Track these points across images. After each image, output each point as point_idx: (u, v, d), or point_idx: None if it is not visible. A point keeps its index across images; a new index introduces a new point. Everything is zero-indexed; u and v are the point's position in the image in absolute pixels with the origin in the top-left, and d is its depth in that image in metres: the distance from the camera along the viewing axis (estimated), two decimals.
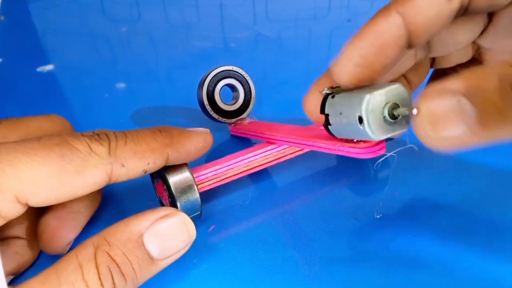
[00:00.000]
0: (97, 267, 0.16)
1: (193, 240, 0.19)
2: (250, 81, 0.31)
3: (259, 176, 0.28)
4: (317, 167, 0.29)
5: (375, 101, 0.17)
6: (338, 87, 0.20)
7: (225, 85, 0.31)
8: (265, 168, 0.28)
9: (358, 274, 0.21)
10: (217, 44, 0.50)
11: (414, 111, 0.16)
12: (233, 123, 0.31)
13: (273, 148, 0.26)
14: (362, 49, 0.18)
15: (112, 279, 0.17)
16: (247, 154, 0.25)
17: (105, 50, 0.50)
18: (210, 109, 0.30)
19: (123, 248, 0.17)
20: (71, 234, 0.22)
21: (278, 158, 0.26)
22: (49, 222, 0.22)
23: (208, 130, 0.23)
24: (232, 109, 0.31)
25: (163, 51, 0.50)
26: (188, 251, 0.23)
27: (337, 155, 0.30)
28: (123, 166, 0.19)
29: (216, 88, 0.30)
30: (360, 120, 0.17)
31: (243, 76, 0.31)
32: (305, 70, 0.43)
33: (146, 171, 0.20)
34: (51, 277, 0.16)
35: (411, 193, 0.26)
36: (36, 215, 0.22)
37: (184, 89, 0.40)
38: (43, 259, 0.23)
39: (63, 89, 0.42)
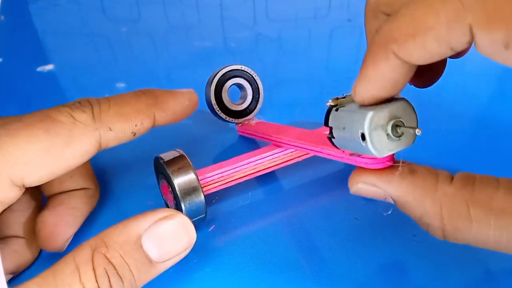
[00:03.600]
0: (94, 270, 0.16)
1: (194, 243, 0.19)
2: (258, 81, 0.31)
3: (262, 177, 0.28)
4: (322, 171, 0.29)
5: (378, 119, 0.17)
6: (343, 98, 0.20)
7: (233, 84, 0.31)
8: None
9: (358, 274, 0.21)
10: (217, 44, 0.50)
11: (419, 131, 0.16)
12: (240, 123, 0.31)
13: (280, 152, 0.26)
14: (371, 90, 0.17)
15: (109, 281, 0.16)
16: (254, 157, 0.25)
17: (105, 50, 0.50)
18: (218, 108, 0.30)
19: (120, 250, 0.17)
20: (69, 230, 0.22)
21: (285, 162, 0.26)
22: (47, 219, 0.21)
23: (192, 90, 0.23)
24: (239, 108, 0.31)
25: (163, 51, 0.50)
26: None
27: None
28: (111, 130, 0.19)
29: (224, 88, 0.30)
30: (363, 137, 0.17)
31: (252, 76, 0.31)
32: (305, 70, 0.43)
33: (135, 133, 0.20)
34: (48, 278, 0.16)
35: None
36: (35, 213, 0.22)
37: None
38: (43, 260, 0.23)
39: (63, 89, 0.42)
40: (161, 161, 0.22)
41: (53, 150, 0.18)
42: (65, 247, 0.22)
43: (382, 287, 0.21)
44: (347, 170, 0.29)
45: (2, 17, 0.59)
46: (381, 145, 0.17)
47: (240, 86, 0.31)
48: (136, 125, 0.20)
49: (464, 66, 0.46)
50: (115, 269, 0.17)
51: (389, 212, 0.24)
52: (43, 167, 0.17)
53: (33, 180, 0.17)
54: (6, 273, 0.20)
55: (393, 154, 0.19)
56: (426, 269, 0.22)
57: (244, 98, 0.31)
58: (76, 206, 0.22)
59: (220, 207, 0.26)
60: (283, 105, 0.36)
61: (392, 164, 0.19)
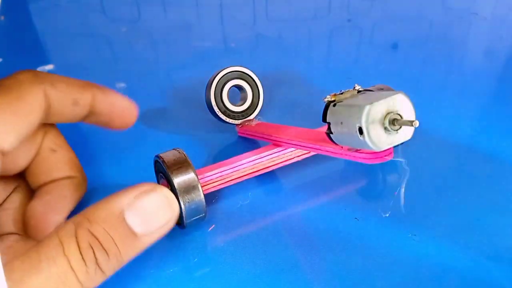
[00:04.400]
0: (78, 243, 0.16)
1: (177, 216, 0.19)
2: (258, 82, 0.31)
3: (262, 177, 0.28)
4: (322, 170, 0.29)
5: (375, 112, 0.17)
6: (341, 93, 0.20)
7: (233, 86, 0.31)
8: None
9: (358, 274, 0.21)
10: (217, 44, 0.50)
11: (416, 123, 0.16)
12: (240, 124, 0.31)
13: (280, 151, 0.26)
14: None
15: (94, 254, 0.16)
16: (253, 156, 0.25)
17: (105, 50, 0.50)
18: (218, 110, 0.30)
19: (104, 224, 0.17)
20: (58, 217, 0.22)
21: (284, 161, 0.26)
22: (36, 208, 0.22)
23: (134, 104, 0.24)
24: (239, 110, 0.31)
25: (163, 51, 0.50)
26: (188, 250, 0.23)
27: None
28: (55, 87, 0.20)
29: (224, 89, 0.30)
30: (360, 131, 0.17)
31: (252, 77, 0.31)
32: (305, 70, 0.43)
33: (76, 102, 0.21)
34: (32, 254, 0.16)
35: (411, 193, 0.26)
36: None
37: (184, 89, 0.40)
38: None
39: None
40: (160, 161, 0.22)
41: (9, 108, 0.18)
42: None
43: (382, 286, 0.21)
44: (347, 170, 0.29)
45: (2, 17, 0.59)
46: (378, 138, 0.17)
47: (240, 88, 0.31)
48: (77, 92, 0.21)
49: (464, 65, 0.46)
50: (99, 242, 0.17)
51: (387, 215, 0.25)
52: (8, 127, 0.18)
53: (7, 142, 0.18)
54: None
55: (392, 148, 0.19)
56: (426, 268, 0.22)
57: (244, 99, 0.31)
58: (64, 195, 0.22)
59: (220, 206, 0.26)
60: (283, 105, 0.36)
61: (392, 158, 0.19)
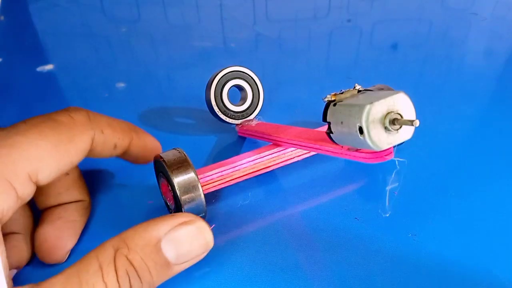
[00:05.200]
0: (116, 270, 0.17)
1: (211, 247, 0.19)
2: (258, 82, 0.31)
3: (262, 177, 0.28)
4: (322, 170, 0.29)
5: (375, 111, 0.17)
6: (341, 93, 0.20)
7: (233, 86, 0.31)
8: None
9: (358, 273, 0.21)
10: (217, 44, 0.50)
11: (416, 123, 0.16)
12: (240, 124, 0.31)
13: (280, 151, 0.26)
14: None
15: (130, 282, 0.17)
16: (253, 156, 0.25)
17: (105, 50, 0.50)
18: (218, 110, 0.30)
19: (141, 252, 0.17)
20: (70, 243, 0.23)
21: (285, 161, 0.26)
22: (48, 233, 0.22)
23: (159, 143, 0.26)
24: (239, 110, 0.31)
25: (163, 51, 0.50)
26: None
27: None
28: (103, 133, 0.21)
29: (224, 89, 0.30)
30: (361, 130, 0.17)
31: (252, 77, 0.31)
32: (305, 70, 0.43)
33: (116, 146, 0.23)
34: (72, 277, 0.16)
35: (412, 192, 0.26)
36: (27, 210, 0.23)
37: (184, 89, 0.40)
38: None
39: (63, 89, 0.42)
40: (160, 160, 0.22)
41: (60, 146, 0.19)
42: (65, 258, 0.22)
43: (383, 287, 0.21)
44: (347, 170, 0.29)
45: (2, 17, 0.59)
46: (379, 138, 0.17)
47: (240, 88, 0.31)
48: (119, 139, 0.23)
49: (464, 65, 0.46)
50: (135, 270, 0.17)
51: (387, 215, 0.25)
52: (53, 163, 0.19)
53: (45, 175, 0.18)
54: (10, 268, 0.20)
55: (392, 148, 0.19)
56: (426, 268, 0.22)
57: (244, 99, 0.31)
58: (75, 219, 0.23)
59: (220, 206, 0.26)
60: (283, 105, 0.36)
61: (392, 157, 0.19)
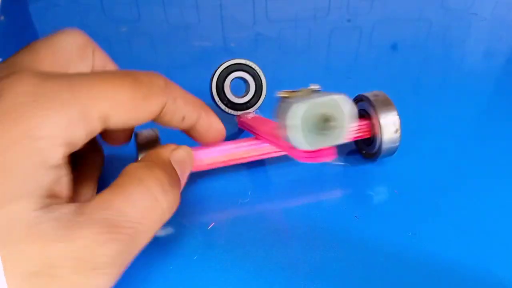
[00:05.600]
0: (154, 179, 0.19)
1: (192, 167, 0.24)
2: (262, 76, 0.31)
3: (261, 176, 0.28)
4: (322, 168, 0.29)
5: (302, 112, 0.17)
6: (297, 91, 0.20)
7: (237, 77, 0.31)
8: (267, 167, 0.29)
9: (358, 272, 0.21)
10: (217, 44, 0.50)
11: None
12: (239, 116, 0.32)
13: (256, 144, 0.27)
14: None
15: (164, 187, 0.19)
16: (233, 144, 0.26)
17: (105, 50, 0.50)
18: (218, 99, 0.31)
19: (163, 166, 0.21)
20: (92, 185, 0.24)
21: (263, 154, 0.27)
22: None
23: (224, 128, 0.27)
24: (241, 101, 0.31)
25: (163, 51, 0.50)
26: (187, 248, 0.23)
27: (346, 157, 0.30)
28: (175, 103, 0.22)
29: (227, 80, 0.31)
30: (288, 128, 0.17)
31: (256, 71, 0.31)
32: (305, 70, 0.43)
33: (184, 118, 0.23)
34: (117, 189, 0.18)
35: (412, 191, 0.26)
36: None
37: (184, 88, 0.40)
38: None
39: None
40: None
41: (135, 101, 0.20)
42: None
43: (383, 286, 0.21)
44: (347, 168, 0.29)
45: (2, 17, 0.59)
46: (304, 138, 0.17)
47: (244, 80, 0.31)
48: (187, 112, 0.23)
49: (463, 65, 0.46)
50: (166, 179, 0.20)
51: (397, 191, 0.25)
52: (124, 114, 0.19)
53: (114, 122, 0.19)
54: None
55: (332, 150, 0.19)
56: (426, 267, 0.22)
57: (246, 92, 0.31)
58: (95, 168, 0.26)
59: (220, 205, 0.26)
60: None
61: (330, 159, 0.19)
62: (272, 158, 0.28)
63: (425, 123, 0.34)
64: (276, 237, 0.23)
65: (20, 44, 0.55)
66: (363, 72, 0.43)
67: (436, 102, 0.37)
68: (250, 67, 0.31)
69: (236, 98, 0.31)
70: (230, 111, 0.31)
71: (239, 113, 0.31)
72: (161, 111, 0.21)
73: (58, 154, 0.17)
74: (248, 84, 0.31)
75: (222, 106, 0.31)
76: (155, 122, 0.22)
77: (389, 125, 0.26)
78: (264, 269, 0.22)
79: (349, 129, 0.17)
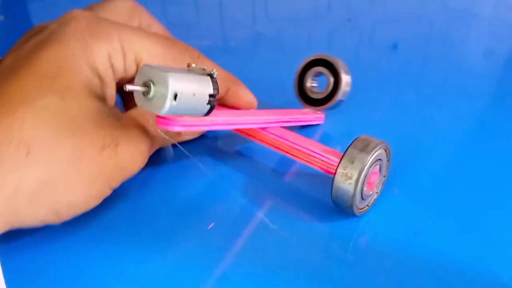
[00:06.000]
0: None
1: None
2: (342, 75, 0.30)
3: (261, 175, 0.28)
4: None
5: (142, 73, 0.19)
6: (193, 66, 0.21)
7: (318, 72, 0.32)
8: (268, 167, 0.29)
9: (358, 273, 0.21)
10: (216, 44, 0.50)
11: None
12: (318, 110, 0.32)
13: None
14: None
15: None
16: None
17: None
18: (298, 93, 0.32)
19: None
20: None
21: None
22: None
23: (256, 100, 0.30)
24: (314, 96, 0.32)
25: None
26: (187, 248, 0.23)
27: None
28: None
29: (308, 74, 0.32)
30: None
31: (335, 66, 0.31)
32: None
33: None
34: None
35: (412, 192, 0.26)
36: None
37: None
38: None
39: None
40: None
41: (166, 56, 0.24)
42: None
43: (382, 286, 0.21)
44: None
45: (2, 17, 0.59)
46: (139, 99, 0.19)
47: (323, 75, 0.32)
48: (220, 82, 0.26)
49: (464, 65, 0.46)
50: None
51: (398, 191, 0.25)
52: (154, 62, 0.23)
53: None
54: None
55: (170, 119, 0.21)
56: (427, 267, 0.22)
57: (326, 87, 0.31)
58: None
59: (220, 204, 0.26)
60: (283, 106, 0.36)
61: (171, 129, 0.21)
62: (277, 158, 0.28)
63: (425, 122, 0.34)
64: (276, 237, 0.23)
65: None
66: (363, 72, 0.43)
67: (436, 102, 0.37)
68: (333, 65, 0.31)
69: (313, 93, 0.32)
70: (304, 103, 0.32)
71: (308, 108, 0.32)
72: None
73: (104, 68, 0.22)
74: (328, 81, 0.31)
75: (300, 100, 0.32)
76: None
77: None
78: (263, 269, 0.22)
79: (168, 104, 0.18)
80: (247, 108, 0.29)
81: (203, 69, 0.21)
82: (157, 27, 0.29)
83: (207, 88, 0.20)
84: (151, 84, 0.19)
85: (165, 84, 0.18)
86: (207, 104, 0.20)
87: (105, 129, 0.21)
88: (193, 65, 0.20)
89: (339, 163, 0.22)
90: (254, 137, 0.28)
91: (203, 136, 0.32)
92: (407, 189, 0.27)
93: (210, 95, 0.20)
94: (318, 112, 0.32)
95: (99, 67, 0.21)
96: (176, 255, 0.22)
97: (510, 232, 0.24)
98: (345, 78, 0.31)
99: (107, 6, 0.26)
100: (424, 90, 0.39)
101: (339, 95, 0.30)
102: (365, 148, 0.22)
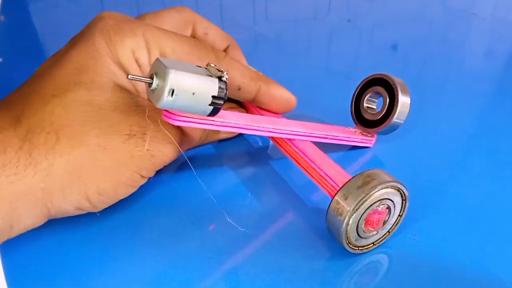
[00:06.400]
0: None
1: None
2: (399, 95, 0.27)
3: (261, 177, 0.28)
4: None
5: (152, 67, 0.20)
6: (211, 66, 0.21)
7: (375, 92, 0.29)
8: (269, 168, 0.29)
9: (358, 273, 0.21)
10: None
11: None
12: (368, 133, 0.30)
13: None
14: None
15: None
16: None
17: None
18: (354, 115, 0.30)
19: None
20: None
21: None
22: None
23: (294, 97, 0.30)
24: (369, 118, 0.29)
25: None
26: (188, 249, 0.23)
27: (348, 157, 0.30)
28: (228, 73, 0.25)
29: (364, 96, 0.29)
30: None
31: (393, 87, 0.28)
32: (305, 71, 0.43)
33: (240, 88, 0.27)
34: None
35: (412, 193, 0.26)
36: None
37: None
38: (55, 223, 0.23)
39: None
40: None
41: (191, 56, 0.25)
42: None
43: (381, 286, 0.21)
44: (349, 170, 0.29)
45: (2, 17, 0.59)
46: (147, 90, 0.20)
47: (379, 95, 0.29)
48: (243, 83, 0.27)
49: (464, 65, 0.46)
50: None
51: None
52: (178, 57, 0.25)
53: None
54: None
55: (170, 113, 0.21)
56: (427, 268, 0.22)
57: (379, 110, 0.29)
58: None
59: (220, 206, 0.26)
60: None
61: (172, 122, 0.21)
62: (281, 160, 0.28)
63: (425, 123, 0.34)
64: (277, 239, 0.23)
65: (20, 44, 0.55)
66: (363, 73, 0.43)
67: (436, 102, 0.37)
68: (391, 86, 0.28)
69: (367, 113, 0.29)
70: (356, 122, 0.30)
71: (354, 129, 0.30)
72: None
73: (128, 63, 0.23)
74: (383, 101, 0.28)
75: (354, 120, 0.30)
76: None
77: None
78: (264, 270, 0.22)
79: (164, 96, 0.19)
80: (285, 106, 0.29)
81: (219, 70, 0.20)
82: (214, 33, 0.30)
83: (211, 90, 0.20)
84: (155, 77, 0.19)
85: (165, 78, 0.19)
86: (210, 105, 0.20)
87: (131, 119, 0.22)
88: (212, 64, 0.21)
89: (334, 195, 0.21)
90: (281, 147, 0.28)
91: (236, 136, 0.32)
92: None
93: (214, 97, 0.20)
94: (368, 135, 0.30)
95: (123, 61, 0.23)
96: (177, 256, 0.22)
97: (510, 232, 0.24)
98: (402, 100, 0.27)
99: (159, 15, 0.28)
100: (424, 90, 0.39)
101: (392, 119, 0.27)
102: (365, 185, 0.20)
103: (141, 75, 0.24)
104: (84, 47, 0.23)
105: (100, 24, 0.24)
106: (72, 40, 0.25)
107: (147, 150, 0.22)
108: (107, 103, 0.22)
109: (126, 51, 0.23)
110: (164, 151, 0.23)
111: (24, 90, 0.22)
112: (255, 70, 0.29)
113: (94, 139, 0.20)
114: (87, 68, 0.22)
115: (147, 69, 0.24)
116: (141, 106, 0.23)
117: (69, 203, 0.20)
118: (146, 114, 0.22)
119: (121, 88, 0.23)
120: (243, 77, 0.27)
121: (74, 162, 0.20)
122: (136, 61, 0.24)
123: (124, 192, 0.22)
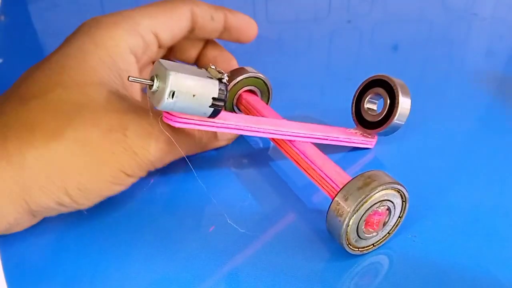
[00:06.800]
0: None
1: None
2: (399, 97, 0.27)
3: (261, 178, 0.28)
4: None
5: (152, 69, 0.20)
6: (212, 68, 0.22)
7: (376, 93, 0.29)
8: (269, 169, 0.29)
9: (358, 273, 0.21)
10: None
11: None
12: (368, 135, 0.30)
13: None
14: None
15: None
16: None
17: None
18: (354, 116, 0.30)
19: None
20: None
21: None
22: None
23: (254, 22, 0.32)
24: (369, 119, 0.29)
25: None
26: (188, 251, 0.23)
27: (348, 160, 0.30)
28: (197, 5, 0.28)
29: (365, 96, 0.29)
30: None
31: (393, 89, 0.28)
32: (305, 72, 0.43)
33: (213, 18, 0.29)
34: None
35: (412, 193, 0.26)
36: None
37: None
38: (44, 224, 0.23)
39: None
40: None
41: (167, 12, 0.27)
42: None
43: (381, 286, 0.21)
44: (349, 171, 0.29)
45: (2, 17, 0.59)
46: (148, 91, 0.20)
47: (379, 97, 0.29)
48: (213, 12, 0.29)
49: (464, 65, 0.46)
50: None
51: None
52: (166, 25, 0.27)
53: (164, 35, 0.27)
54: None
55: (172, 115, 0.21)
56: (427, 269, 0.22)
57: (381, 110, 0.29)
58: None
59: (220, 208, 0.26)
60: (283, 107, 0.36)
61: (173, 124, 0.21)
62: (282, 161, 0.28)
63: (425, 123, 0.34)
64: (277, 241, 0.23)
65: (20, 44, 0.55)
66: (363, 73, 0.43)
67: (436, 102, 0.37)
68: (392, 89, 0.28)
69: (368, 114, 0.29)
70: (356, 122, 0.30)
71: (356, 131, 0.30)
72: (191, 15, 0.28)
73: (116, 54, 0.24)
74: (384, 103, 0.28)
75: (355, 120, 0.30)
76: (197, 35, 0.29)
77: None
78: (264, 272, 0.22)
79: (165, 98, 0.19)
80: (250, 30, 0.31)
81: (220, 72, 0.21)
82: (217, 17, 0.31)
83: (211, 91, 0.20)
84: (155, 79, 0.19)
85: (165, 80, 0.19)
86: (210, 106, 0.20)
87: (111, 114, 0.21)
88: (212, 67, 0.21)
89: (334, 196, 0.21)
90: (281, 148, 0.28)
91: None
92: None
93: (214, 98, 0.20)
94: (368, 136, 0.30)
95: (110, 55, 0.24)
96: (177, 258, 0.22)
97: (510, 233, 0.24)
98: (403, 101, 0.27)
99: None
100: (424, 90, 0.39)
101: (392, 120, 0.27)
102: (365, 187, 0.20)
103: (138, 75, 0.25)
104: (66, 48, 0.24)
105: (83, 27, 0.25)
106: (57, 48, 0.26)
107: (129, 146, 0.21)
108: (87, 100, 0.22)
109: (110, 44, 0.24)
110: (148, 149, 0.22)
111: (7, 94, 0.23)
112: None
113: (72, 133, 0.20)
114: (68, 68, 0.23)
115: (145, 56, 0.26)
116: (125, 102, 0.23)
117: (48, 198, 0.20)
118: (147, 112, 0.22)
119: (102, 85, 0.23)
120: (210, 7, 0.29)
121: (49, 155, 0.20)
122: (131, 50, 0.25)
123: (108, 189, 0.22)
